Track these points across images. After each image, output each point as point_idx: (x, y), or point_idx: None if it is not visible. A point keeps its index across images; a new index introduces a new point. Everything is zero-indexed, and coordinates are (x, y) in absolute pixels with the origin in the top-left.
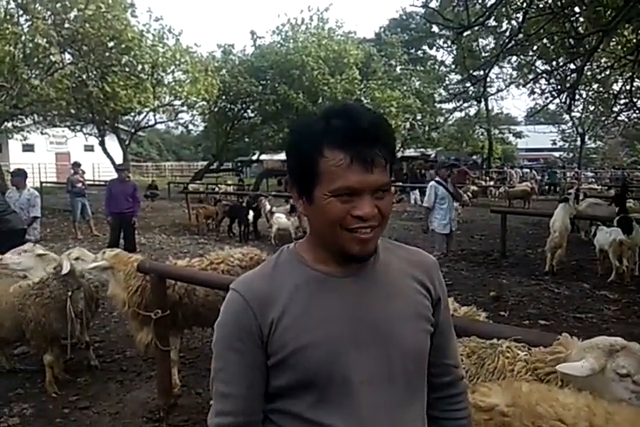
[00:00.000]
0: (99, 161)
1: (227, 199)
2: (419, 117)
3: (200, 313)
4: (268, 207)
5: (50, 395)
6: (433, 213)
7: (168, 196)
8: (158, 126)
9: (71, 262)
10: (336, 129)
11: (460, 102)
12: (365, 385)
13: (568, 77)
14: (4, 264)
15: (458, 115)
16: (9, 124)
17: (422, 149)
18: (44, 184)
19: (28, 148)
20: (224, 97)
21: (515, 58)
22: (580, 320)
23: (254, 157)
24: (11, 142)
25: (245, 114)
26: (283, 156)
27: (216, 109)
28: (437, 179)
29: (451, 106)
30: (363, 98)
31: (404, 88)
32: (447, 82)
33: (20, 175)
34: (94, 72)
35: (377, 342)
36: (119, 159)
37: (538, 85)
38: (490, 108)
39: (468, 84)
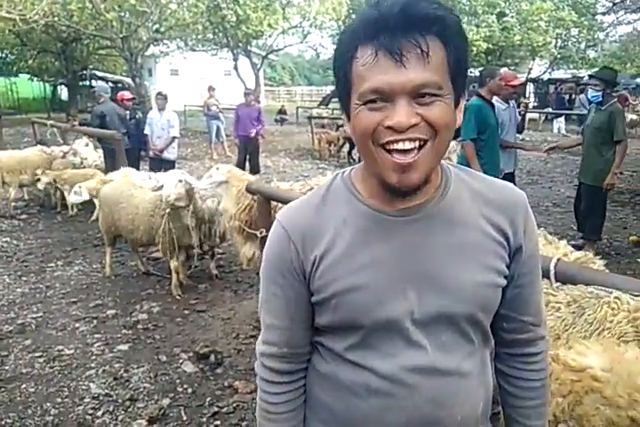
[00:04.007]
0: (235, 85)
1: None
2: (573, 33)
3: None
4: None
5: (174, 297)
6: None
7: (296, 120)
8: (291, 51)
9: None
10: (366, 20)
11: (628, 12)
12: (411, 332)
13: None
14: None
15: (623, 29)
16: (156, 49)
17: (574, 71)
18: (187, 107)
19: (174, 72)
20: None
21: None
22: None
23: None
24: (159, 66)
25: None
26: None
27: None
28: None
29: (614, 19)
30: (507, 11)
31: None
32: None
33: (163, 97)
34: None
35: (429, 290)
36: (252, 84)
37: None
38: None
39: None
